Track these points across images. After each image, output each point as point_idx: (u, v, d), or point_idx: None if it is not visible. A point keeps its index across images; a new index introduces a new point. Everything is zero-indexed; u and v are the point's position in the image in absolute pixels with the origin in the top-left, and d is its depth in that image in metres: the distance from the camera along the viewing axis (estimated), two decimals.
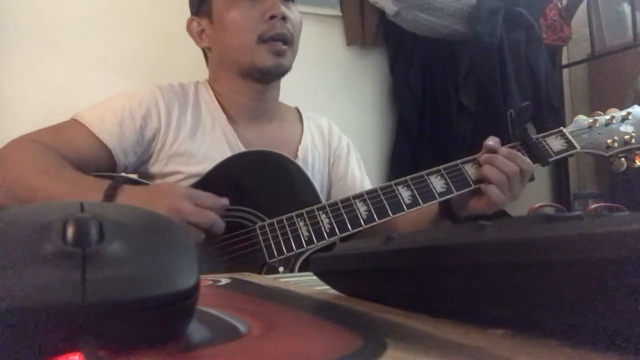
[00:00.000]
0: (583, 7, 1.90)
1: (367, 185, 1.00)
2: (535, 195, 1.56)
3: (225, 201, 0.75)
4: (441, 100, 1.66)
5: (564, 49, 1.92)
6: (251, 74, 0.91)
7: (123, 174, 0.88)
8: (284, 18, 0.88)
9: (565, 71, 1.98)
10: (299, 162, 0.92)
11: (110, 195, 0.70)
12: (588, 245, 0.14)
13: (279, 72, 0.92)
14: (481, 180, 0.79)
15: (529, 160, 0.80)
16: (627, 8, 1.90)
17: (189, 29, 0.96)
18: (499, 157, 0.78)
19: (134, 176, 0.91)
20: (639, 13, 1.75)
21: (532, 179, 0.81)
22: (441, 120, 1.65)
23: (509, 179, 0.77)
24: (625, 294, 0.14)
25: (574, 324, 0.16)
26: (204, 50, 0.99)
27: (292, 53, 0.92)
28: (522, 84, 1.63)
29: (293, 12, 0.92)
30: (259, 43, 0.88)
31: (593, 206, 1.65)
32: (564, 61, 1.96)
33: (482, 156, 0.80)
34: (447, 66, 1.68)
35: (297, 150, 0.97)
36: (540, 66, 1.68)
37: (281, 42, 0.88)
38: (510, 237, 0.17)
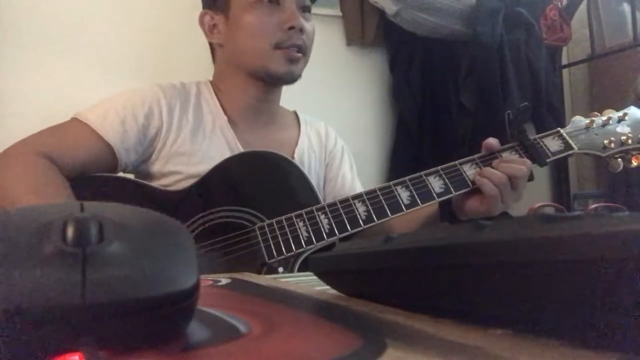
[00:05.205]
0: (583, 7, 1.90)
1: (358, 188, 1.01)
2: (535, 195, 1.56)
3: None
4: (441, 100, 1.66)
5: (564, 49, 1.92)
6: (261, 77, 0.91)
7: (121, 174, 0.88)
8: (301, 30, 0.89)
9: (565, 71, 1.97)
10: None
11: None
12: (588, 245, 0.14)
13: (290, 79, 0.92)
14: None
15: (528, 162, 0.80)
16: (627, 8, 1.90)
17: (201, 21, 0.95)
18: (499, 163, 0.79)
19: (131, 176, 0.91)
20: (639, 13, 1.75)
21: (531, 178, 0.81)
22: (441, 120, 1.65)
23: (511, 179, 0.77)
24: (625, 293, 0.14)
25: (574, 323, 0.16)
26: (211, 45, 0.99)
27: (304, 62, 0.93)
28: (522, 84, 1.63)
29: (309, 23, 0.93)
30: (275, 49, 0.88)
31: (593, 206, 1.65)
32: (564, 61, 1.96)
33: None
34: (447, 66, 1.67)
35: (294, 152, 0.97)
36: (540, 66, 1.67)
37: (296, 50, 0.89)
38: (510, 237, 0.17)
